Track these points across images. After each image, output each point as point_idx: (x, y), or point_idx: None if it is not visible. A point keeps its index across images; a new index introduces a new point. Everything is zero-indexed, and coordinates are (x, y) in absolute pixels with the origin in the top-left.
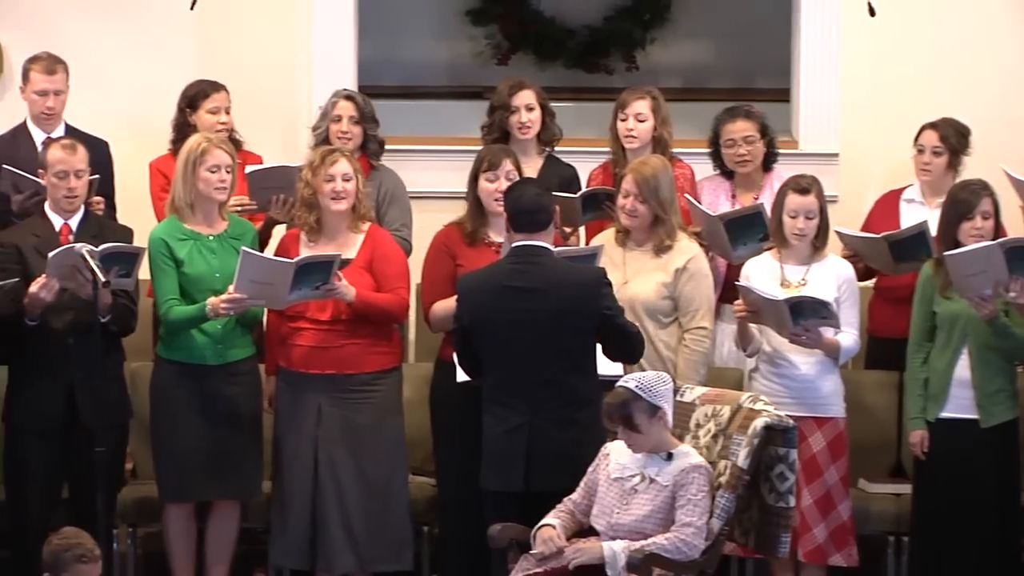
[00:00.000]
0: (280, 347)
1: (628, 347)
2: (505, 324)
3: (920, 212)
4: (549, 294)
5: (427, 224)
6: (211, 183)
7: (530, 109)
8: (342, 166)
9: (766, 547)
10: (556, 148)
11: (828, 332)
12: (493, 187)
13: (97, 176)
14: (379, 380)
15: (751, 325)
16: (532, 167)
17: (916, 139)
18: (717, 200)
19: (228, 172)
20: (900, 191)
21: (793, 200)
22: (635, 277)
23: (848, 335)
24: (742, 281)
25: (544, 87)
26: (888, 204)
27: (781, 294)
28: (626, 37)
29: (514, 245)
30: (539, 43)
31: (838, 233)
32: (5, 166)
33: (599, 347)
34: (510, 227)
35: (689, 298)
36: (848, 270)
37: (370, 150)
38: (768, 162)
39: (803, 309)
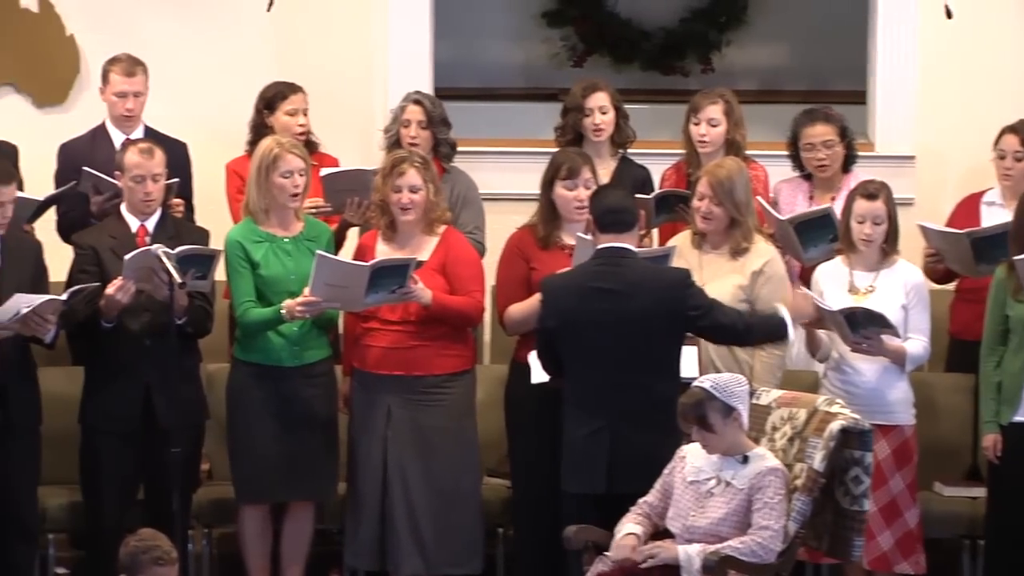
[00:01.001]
0: (354, 348)
1: (734, 335)
2: (589, 326)
3: (1001, 215)
4: (634, 296)
5: (502, 226)
6: (284, 188)
7: (604, 111)
8: (409, 178)
9: (839, 551)
10: (630, 150)
11: (894, 340)
12: (572, 195)
13: (177, 180)
14: (450, 383)
15: (820, 331)
16: (605, 169)
17: (996, 143)
18: (795, 201)
19: (301, 176)
20: (980, 194)
21: (861, 205)
22: (711, 280)
23: (916, 342)
24: (812, 288)
25: (619, 89)
26: (969, 207)
27: (846, 301)
28: (702, 39)
29: (599, 247)
30: (615, 45)
31: (921, 228)
32: (86, 168)
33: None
34: (595, 228)
35: (766, 301)
36: (918, 276)
37: (441, 153)
38: (847, 164)
39: (858, 319)
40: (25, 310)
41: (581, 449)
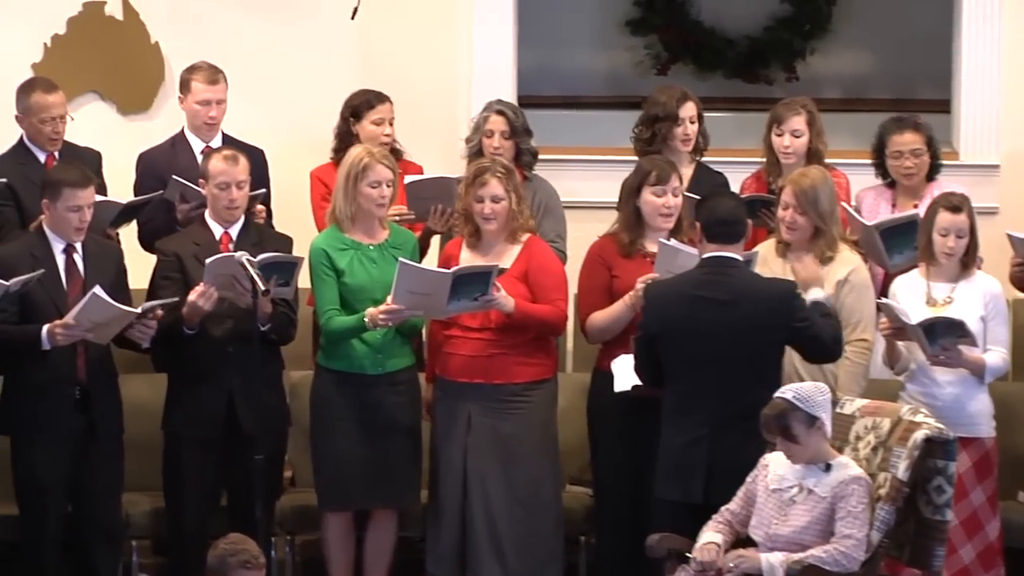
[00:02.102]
0: (436, 355)
1: (825, 351)
2: (693, 334)
3: None
4: (740, 306)
5: (584, 234)
6: (372, 198)
7: (693, 121)
8: (491, 188)
9: (921, 561)
10: (712, 157)
11: (974, 351)
12: (660, 201)
13: (263, 191)
14: (530, 391)
15: (899, 343)
16: (683, 176)
17: None
18: (878, 209)
19: (389, 187)
20: None
21: (944, 218)
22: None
23: (995, 354)
24: (890, 299)
25: (703, 97)
26: None
27: (925, 312)
28: (786, 47)
29: (706, 256)
30: (699, 53)
31: (1009, 236)
32: (175, 177)
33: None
34: (703, 237)
35: (851, 310)
36: (996, 287)
37: (523, 162)
38: (931, 173)
39: (937, 330)
40: (96, 317)
41: (679, 457)
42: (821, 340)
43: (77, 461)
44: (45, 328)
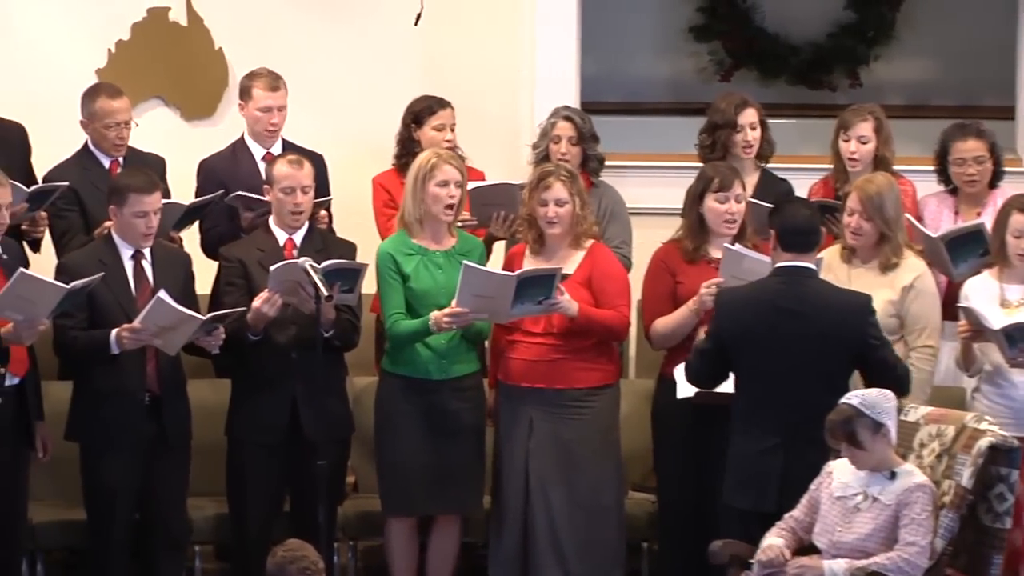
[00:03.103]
0: (499, 360)
1: (892, 379)
2: (767, 343)
3: None
4: (815, 317)
5: (648, 240)
6: (439, 198)
7: (754, 127)
8: (555, 192)
9: (978, 568)
10: (776, 164)
11: None
12: (723, 208)
13: (329, 198)
14: (592, 396)
15: (974, 345)
16: (748, 183)
17: None
18: (940, 216)
19: (457, 187)
20: None
21: (1018, 220)
22: None
23: None
24: (963, 302)
25: (766, 104)
26: None
27: (997, 315)
28: (850, 54)
29: (780, 264)
30: (762, 60)
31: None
32: (239, 192)
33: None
34: (778, 245)
35: (916, 316)
36: None
37: (590, 168)
38: (994, 180)
39: (1016, 334)
40: (162, 321)
41: (751, 466)
42: (889, 365)
43: (146, 468)
44: (113, 332)
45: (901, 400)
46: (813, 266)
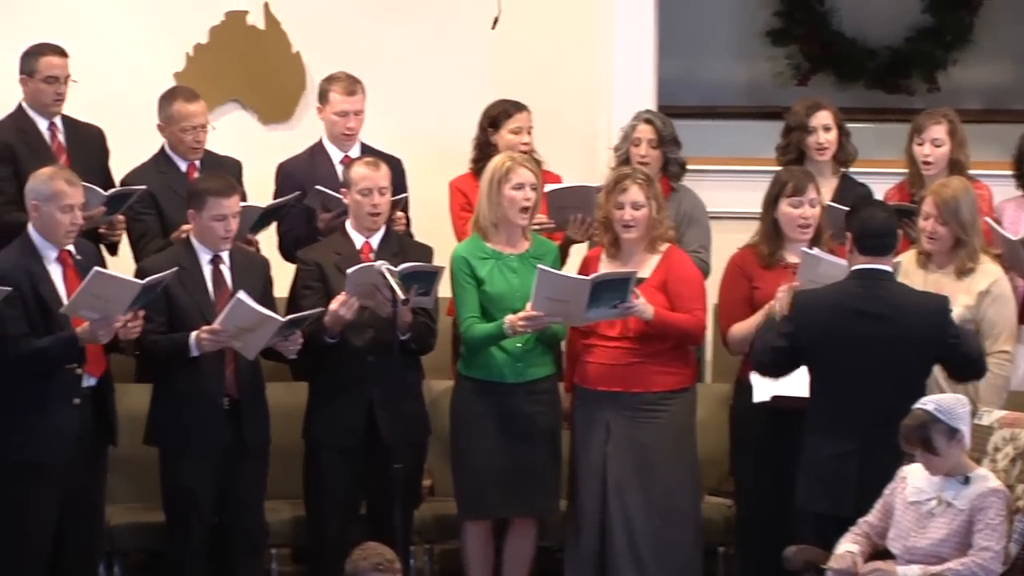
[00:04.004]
0: (575, 364)
1: (972, 369)
2: (845, 346)
3: None
4: (894, 320)
5: (726, 244)
6: (515, 201)
7: (827, 129)
8: (631, 195)
9: None
10: (853, 168)
11: None
12: (797, 212)
13: (405, 196)
14: (669, 400)
15: None
16: (827, 187)
17: None
18: (1020, 220)
19: (532, 190)
20: None
21: None
22: None
23: None
24: None
25: (844, 108)
26: None
27: None
28: (927, 58)
29: (857, 267)
30: (840, 64)
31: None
32: (317, 187)
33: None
34: (855, 248)
35: (992, 321)
36: None
37: (670, 172)
38: None
39: None
40: (242, 323)
41: (828, 470)
42: (971, 357)
43: (225, 472)
44: (193, 334)
45: (975, 404)
46: (890, 269)
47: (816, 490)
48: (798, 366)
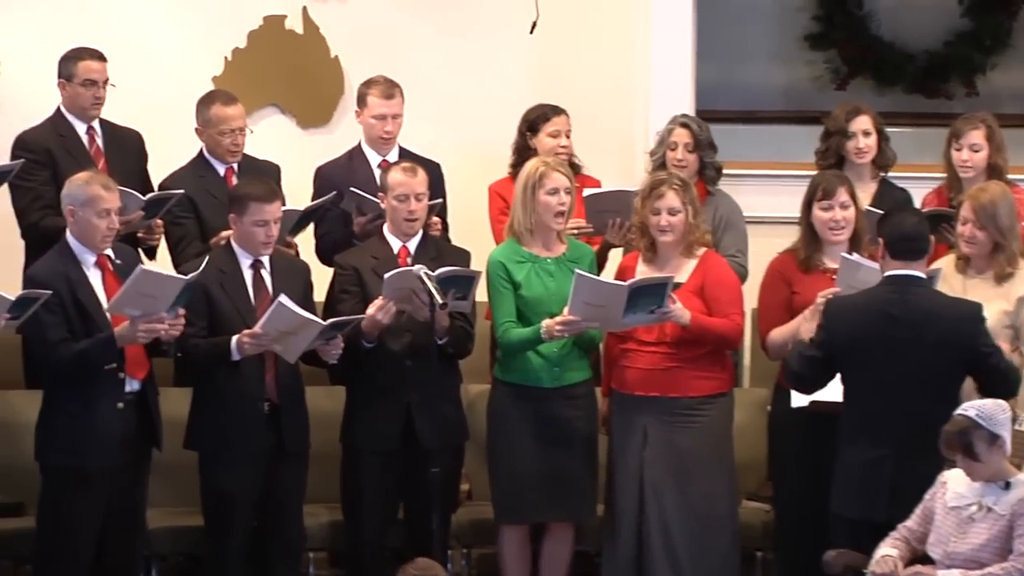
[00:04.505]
0: (612, 368)
1: (1004, 386)
2: (877, 352)
3: None
4: (926, 326)
5: (764, 249)
6: (549, 206)
7: (867, 134)
8: (668, 200)
9: None
10: (891, 173)
11: None
12: (827, 216)
13: (440, 200)
14: (706, 405)
15: None
16: (866, 192)
17: None
18: None
19: (567, 195)
20: None
21: None
22: None
23: None
24: None
25: (882, 112)
26: None
27: None
28: (966, 62)
29: (890, 273)
30: (878, 68)
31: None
32: (352, 188)
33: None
34: (886, 253)
35: None
36: None
37: (707, 176)
38: None
39: None
40: (284, 327)
41: (861, 475)
42: (1002, 372)
43: (265, 476)
44: (234, 338)
45: (1015, 410)
46: (922, 274)
47: (849, 495)
48: (833, 376)
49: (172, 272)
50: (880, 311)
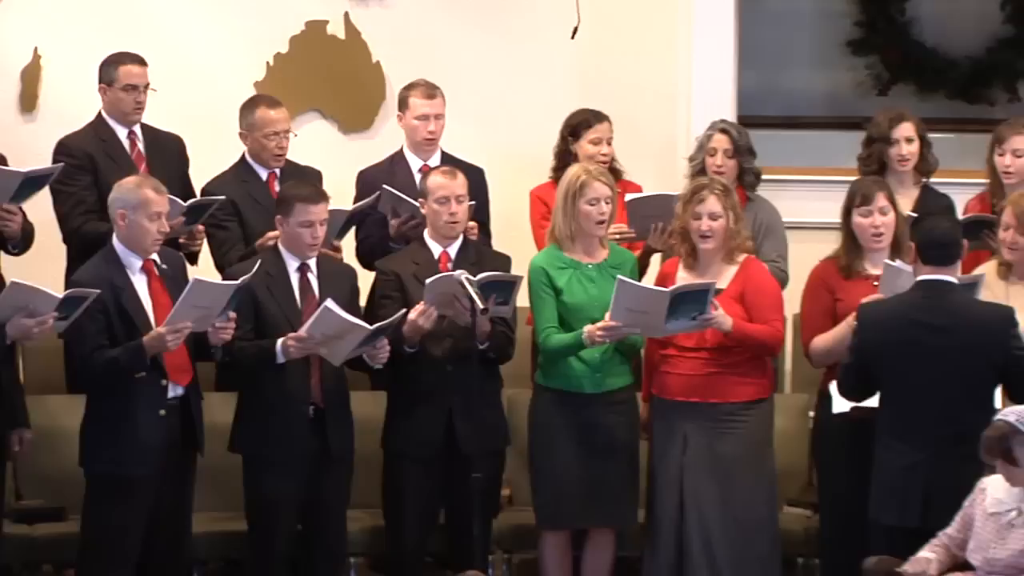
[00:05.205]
0: (653, 374)
1: None
2: (909, 358)
3: None
4: (958, 331)
5: (806, 254)
6: (590, 215)
7: (909, 141)
8: (709, 205)
9: None
10: (934, 179)
11: None
12: (867, 222)
13: (473, 202)
14: (746, 411)
15: None
16: (908, 198)
17: None
18: None
19: (607, 204)
20: None
21: None
22: (1019, 312)
23: None
24: None
25: (925, 118)
26: None
27: None
28: (1009, 68)
29: (922, 278)
30: (920, 74)
31: None
32: (385, 187)
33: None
34: (918, 258)
35: None
36: None
37: (746, 182)
38: None
39: None
40: (329, 331)
41: (896, 481)
42: None
43: (309, 480)
44: (280, 341)
45: None
46: (954, 279)
47: (885, 501)
48: (872, 380)
49: (220, 280)
50: (911, 317)
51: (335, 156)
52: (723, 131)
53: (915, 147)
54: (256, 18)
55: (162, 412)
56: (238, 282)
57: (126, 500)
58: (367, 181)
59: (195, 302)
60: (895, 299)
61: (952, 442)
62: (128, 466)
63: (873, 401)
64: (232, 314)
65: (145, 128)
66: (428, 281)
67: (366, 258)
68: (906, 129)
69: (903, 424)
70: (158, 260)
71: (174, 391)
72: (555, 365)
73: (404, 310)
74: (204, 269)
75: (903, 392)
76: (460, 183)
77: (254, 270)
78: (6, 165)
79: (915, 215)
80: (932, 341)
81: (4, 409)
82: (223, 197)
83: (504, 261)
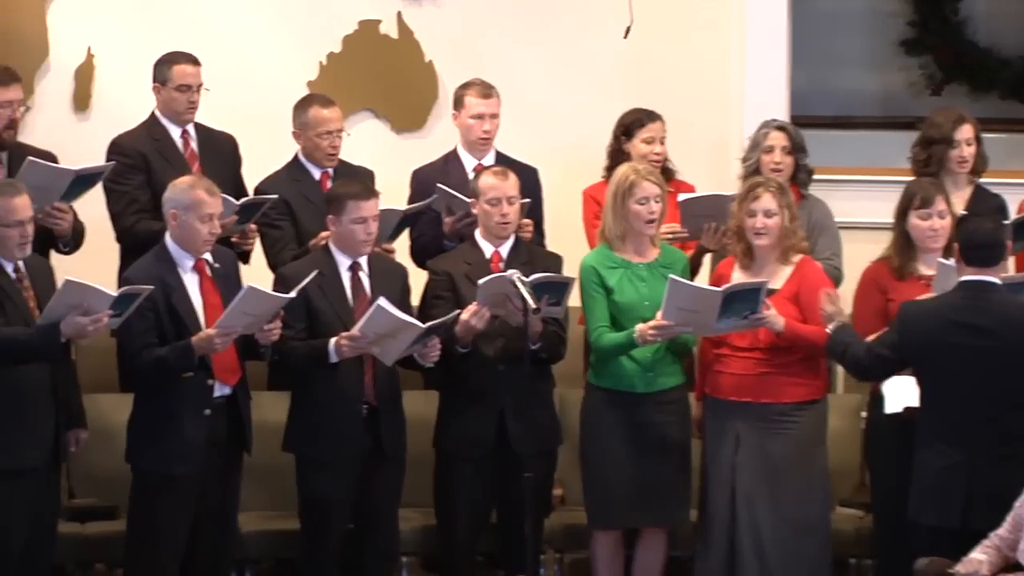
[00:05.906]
0: (706, 374)
1: None
2: (951, 359)
3: None
4: (1001, 333)
5: (858, 254)
6: (640, 215)
7: (970, 143)
8: (764, 202)
9: None
10: (985, 179)
11: None
12: (926, 225)
13: (528, 201)
14: (799, 411)
15: None
16: (960, 198)
17: None
18: None
19: (657, 203)
20: None
21: None
22: None
23: None
24: None
25: (977, 118)
26: None
27: None
28: None
29: (964, 279)
30: (973, 74)
31: None
32: (440, 185)
33: None
34: (961, 259)
35: None
36: None
37: (800, 180)
38: None
39: None
40: (382, 330)
41: (936, 481)
42: None
43: (362, 480)
44: (332, 340)
45: None
46: (997, 280)
47: (926, 502)
48: (897, 370)
49: (271, 291)
50: (952, 318)
51: (387, 155)
52: (780, 128)
53: (974, 149)
54: (309, 18)
55: (207, 412)
56: (292, 294)
57: (169, 497)
58: (421, 180)
59: (246, 309)
60: (937, 299)
61: (994, 443)
62: (171, 464)
63: (884, 382)
64: (280, 311)
65: (198, 127)
66: (481, 281)
67: (420, 256)
68: (967, 131)
69: (944, 424)
70: (210, 259)
71: (221, 391)
72: (607, 364)
73: (457, 311)
74: (256, 268)
75: (944, 393)
76: (512, 184)
77: (307, 280)
78: (57, 163)
79: (963, 214)
80: (974, 342)
81: (60, 408)
82: (276, 196)
83: (555, 261)
